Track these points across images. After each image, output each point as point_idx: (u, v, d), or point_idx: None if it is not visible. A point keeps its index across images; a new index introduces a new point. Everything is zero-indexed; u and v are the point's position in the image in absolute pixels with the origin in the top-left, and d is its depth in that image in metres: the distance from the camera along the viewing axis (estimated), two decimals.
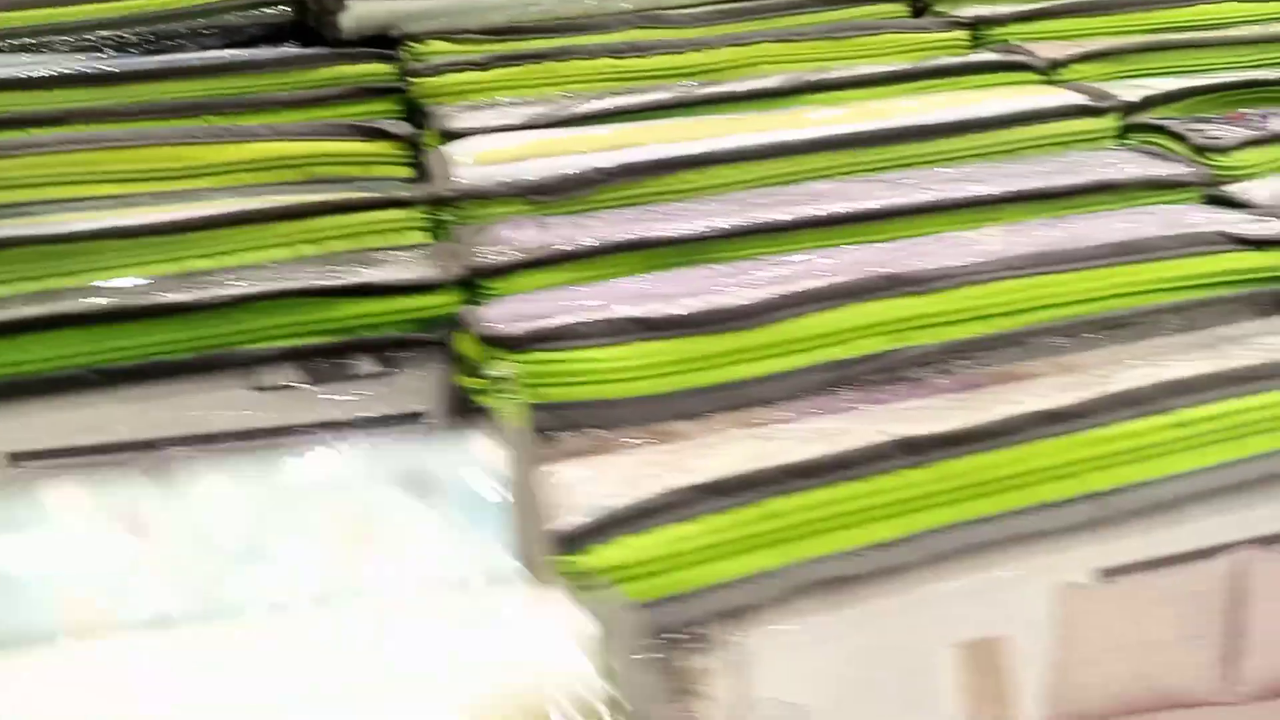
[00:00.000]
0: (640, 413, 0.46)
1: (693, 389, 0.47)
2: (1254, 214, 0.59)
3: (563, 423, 0.45)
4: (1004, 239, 0.55)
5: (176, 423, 0.46)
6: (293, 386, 0.48)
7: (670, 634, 0.38)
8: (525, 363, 0.46)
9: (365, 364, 0.49)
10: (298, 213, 0.54)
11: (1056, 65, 0.74)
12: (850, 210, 0.57)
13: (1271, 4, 0.82)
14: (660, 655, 0.37)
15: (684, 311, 0.48)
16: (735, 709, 0.37)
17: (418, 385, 0.48)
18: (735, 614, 0.39)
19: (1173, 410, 0.46)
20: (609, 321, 0.47)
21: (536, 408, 0.45)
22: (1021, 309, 0.51)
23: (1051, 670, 0.42)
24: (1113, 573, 0.44)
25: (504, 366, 0.45)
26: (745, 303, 0.49)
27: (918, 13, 0.84)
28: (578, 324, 0.47)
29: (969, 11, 0.81)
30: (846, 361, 0.49)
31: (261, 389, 0.47)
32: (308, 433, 0.45)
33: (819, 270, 0.52)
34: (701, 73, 0.73)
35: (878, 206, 0.57)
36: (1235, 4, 0.82)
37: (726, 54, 0.74)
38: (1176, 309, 0.53)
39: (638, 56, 0.73)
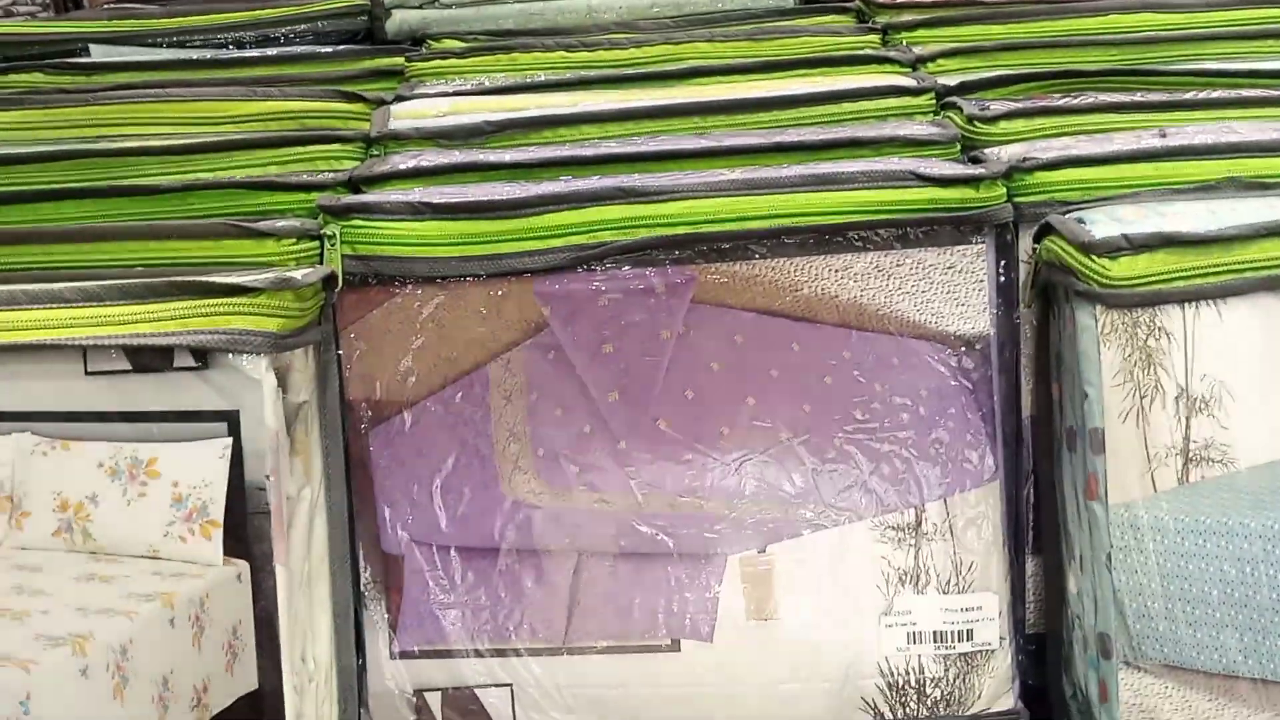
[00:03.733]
0: (426, 269, 0.64)
1: (466, 256, 0.65)
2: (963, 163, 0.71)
3: (369, 271, 0.64)
4: (743, 173, 0.68)
5: None
6: None
7: None
8: (345, 226, 0.64)
9: None
10: (261, 144, 0.74)
11: (922, 60, 0.85)
12: (642, 151, 0.71)
13: (1177, 16, 0.88)
14: None
15: (466, 200, 0.66)
16: None
17: None
18: None
19: None
20: (408, 203, 0.65)
21: (348, 258, 0.64)
22: (726, 218, 0.66)
23: None
24: None
25: (331, 227, 0.64)
26: (511, 197, 0.66)
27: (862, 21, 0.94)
28: (384, 202, 0.65)
29: (885, 20, 0.93)
30: (584, 246, 0.65)
31: None
32: None
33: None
34: (636, 63, 0.87)
35: (663, 149, 0.71)
36: (1149, 15, 0.88)
37: (660, 49, 0.88)
38: (862, 226, 0.66)
39: (585, 50, 0.89)
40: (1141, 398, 0.63)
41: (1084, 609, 0.65)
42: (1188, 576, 0.63)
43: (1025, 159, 0.69)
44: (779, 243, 0.67)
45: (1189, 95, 0.76)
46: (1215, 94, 0.76)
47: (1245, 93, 0.76)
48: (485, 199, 0.66)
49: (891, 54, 0.86)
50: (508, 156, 0.72)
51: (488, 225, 0.65)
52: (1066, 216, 0.66)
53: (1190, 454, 0.63)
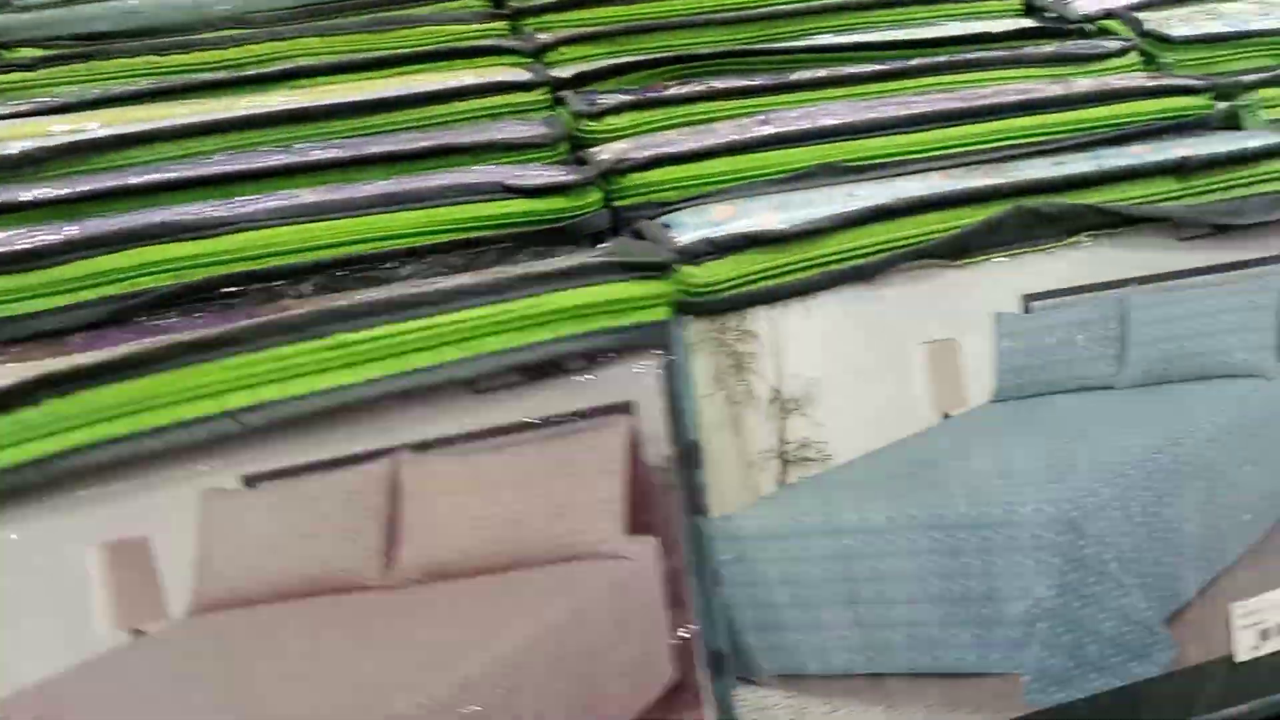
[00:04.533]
0: None
1: None
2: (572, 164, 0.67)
3: None
4: (320, 193, 0.63)
5: None
6: None
7: None
8: None
9: None
10: None
11: (545, 48, 0.80)
12: (206, 174, 0.64)
13: None
14: None
15: None
16: None
17: None
18: None
19: (330, 335, 0.53)
20: None
21: None
22: (291, 250, 0.60)
23: (196, 567, 0.52)
24: (257, 479, 0.53)
25: None
26: (29, 247, 0.58)
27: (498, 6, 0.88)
28: None
29: (517, 3, 0.86)
30: (125, 296, 0.58)
31: None
32: None
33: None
34: (235, 65, 0.78)
35: (230, 170, 0.64)
36: None
37: (265, 48, 0.80)
38: (446, 247, 0.62)
39: (179, 52, 0.79)
40: (734, 405, 0.61)
41: (700, 628, 0.64)
42: (795, 581, 0.62)
43: (620, 160, 0.66)
44: (359, 270, 0.61)
45: (794, 76, 0.74)
46: (819, 73, 0.75)
47: (846, 69, 0.75)
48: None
49: (512, 43, 0.81)
50: (47, 192, 0.63)
51: (4, 282, 0.57)
52: (654, 222, 0.63)
53: (787, 456, 0.62)
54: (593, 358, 0.57)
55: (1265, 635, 0.68)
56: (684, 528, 0.62)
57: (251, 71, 0.77)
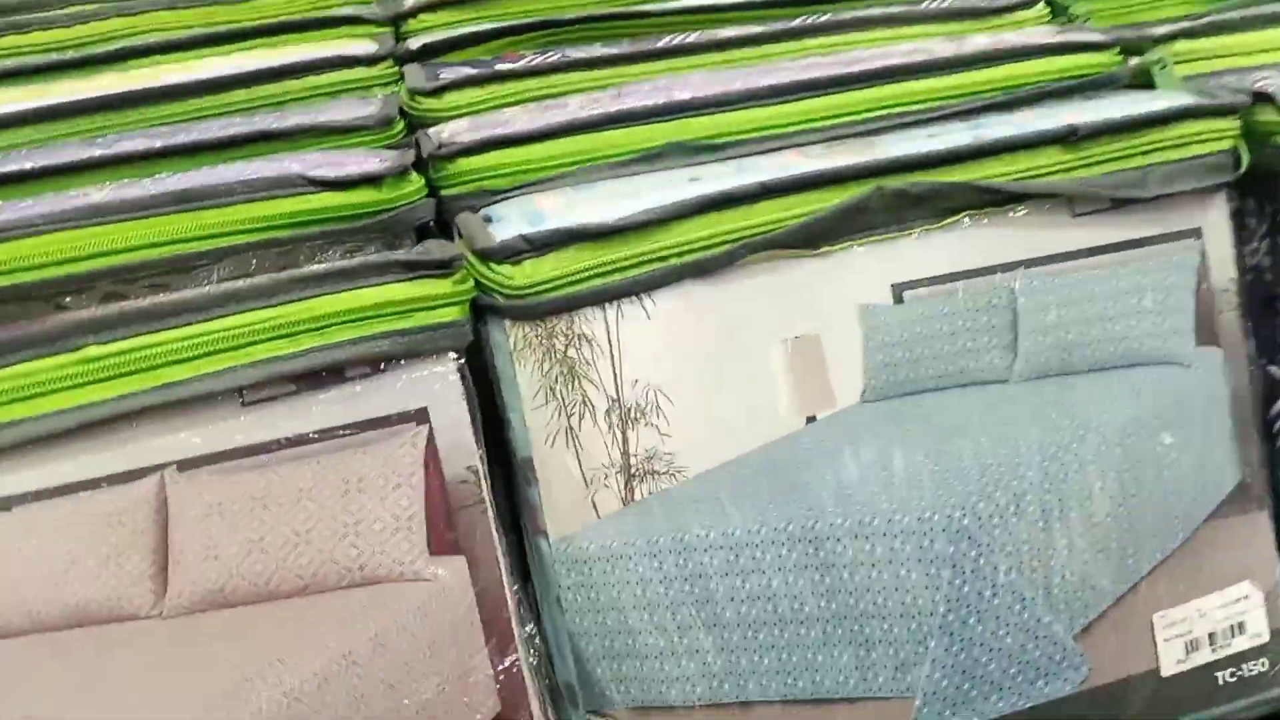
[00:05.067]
0: None
1: None
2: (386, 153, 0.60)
3: None
4: (110, 191, 0.57)
5: None
6: None
7: None
8: None
9: None
10: None
11: (402, 16, 0.74)
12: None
13: None
14: None
15: None
16: None
17: None
18: None
19: (79, 349, 0.49)
20: None
21: None
22: (71, 259, 0.54)
23: None
24: (12, 501, 0.49)
25: None
26: None
27: None
28: None
29: None
30: None
31: None
32: None
33: None
34: (82, 44, 0.73)
35: (26, 169, 0.59)
36: None
37: (109, 26, 0.74)
38: (244, 249, 0.55)
39: (15, 33, 0.74)
40: (569, 416, 0.55)
41: (540, 659, 0.58)
42: (646, 605, 0.56)
43: (444, 143, 0.60)
44: (149, 278, 0.55)
45: (660, 43, 0.67)
46: (689, 39, 0.67)
47: (723, 33, 0.68)
48: None
49: (364, 12, 0.74)
50: None
51: None
52: (475, 215, 0.57)
53: (632, 470, 0.55)
54: (379, 364, 0.52)
55: (1193, 647, 0.61)
56: (527, 552, 0.57)
57: (83, 53, 0.71)
